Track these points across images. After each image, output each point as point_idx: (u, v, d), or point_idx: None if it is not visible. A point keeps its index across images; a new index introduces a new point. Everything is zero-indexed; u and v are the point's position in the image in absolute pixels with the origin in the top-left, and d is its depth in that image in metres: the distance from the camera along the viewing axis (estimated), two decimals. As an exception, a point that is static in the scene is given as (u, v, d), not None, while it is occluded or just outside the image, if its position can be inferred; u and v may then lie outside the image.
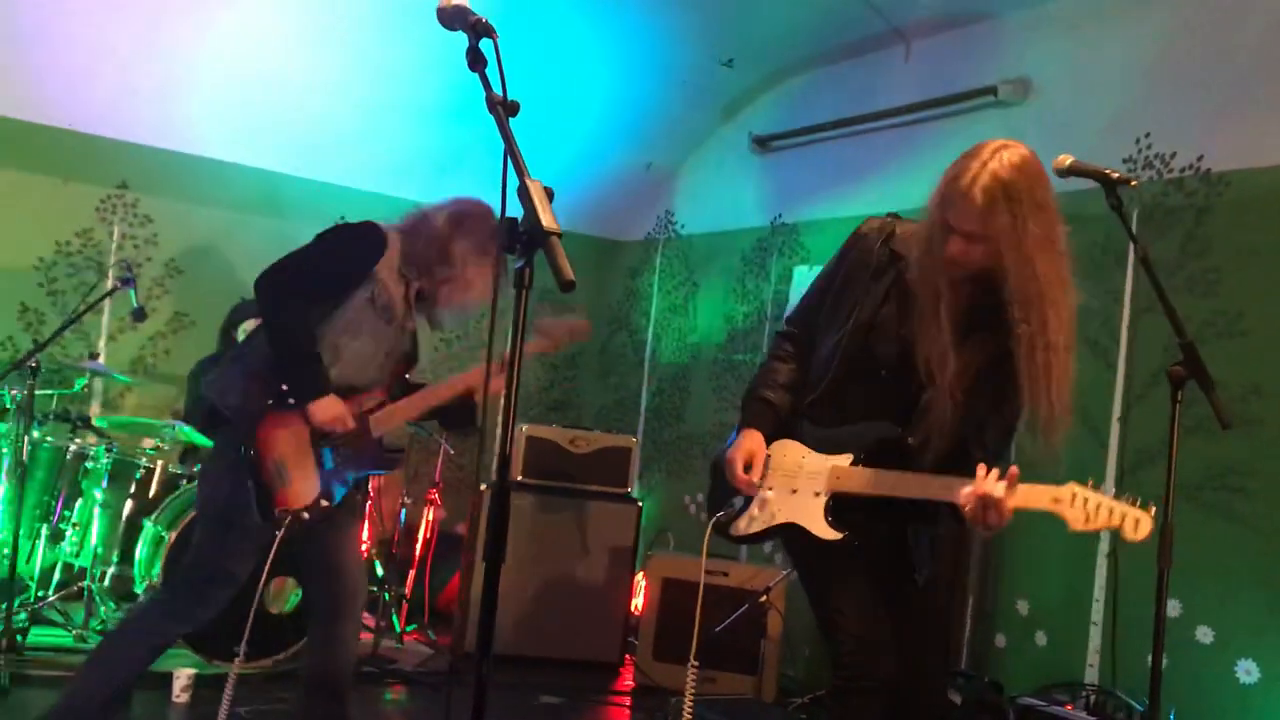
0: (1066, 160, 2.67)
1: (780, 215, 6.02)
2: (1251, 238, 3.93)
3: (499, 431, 6.47)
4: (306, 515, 3.05)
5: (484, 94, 1.61)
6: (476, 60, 1.65)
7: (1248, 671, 3.76)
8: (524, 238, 1.51)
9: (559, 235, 1.52)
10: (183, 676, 4.01)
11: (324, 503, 3.09)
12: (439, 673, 4.82)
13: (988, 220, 2.36)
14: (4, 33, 5.24)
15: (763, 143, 6.15)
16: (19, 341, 5.55)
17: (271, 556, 3.00)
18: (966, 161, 2.41)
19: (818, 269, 5.72)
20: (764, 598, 4.79)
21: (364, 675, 4.63)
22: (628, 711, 4.76)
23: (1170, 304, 2.62)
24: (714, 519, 2.80)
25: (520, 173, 1.55)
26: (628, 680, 5.11)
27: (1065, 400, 2.42)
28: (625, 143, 6.65)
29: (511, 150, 1.57)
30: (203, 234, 6.08)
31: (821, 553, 2.64)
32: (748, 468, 2.68)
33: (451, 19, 1.69)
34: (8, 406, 4.73)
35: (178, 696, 4.00)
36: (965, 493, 2.37)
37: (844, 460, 2.61)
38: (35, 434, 4.63)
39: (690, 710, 2.99)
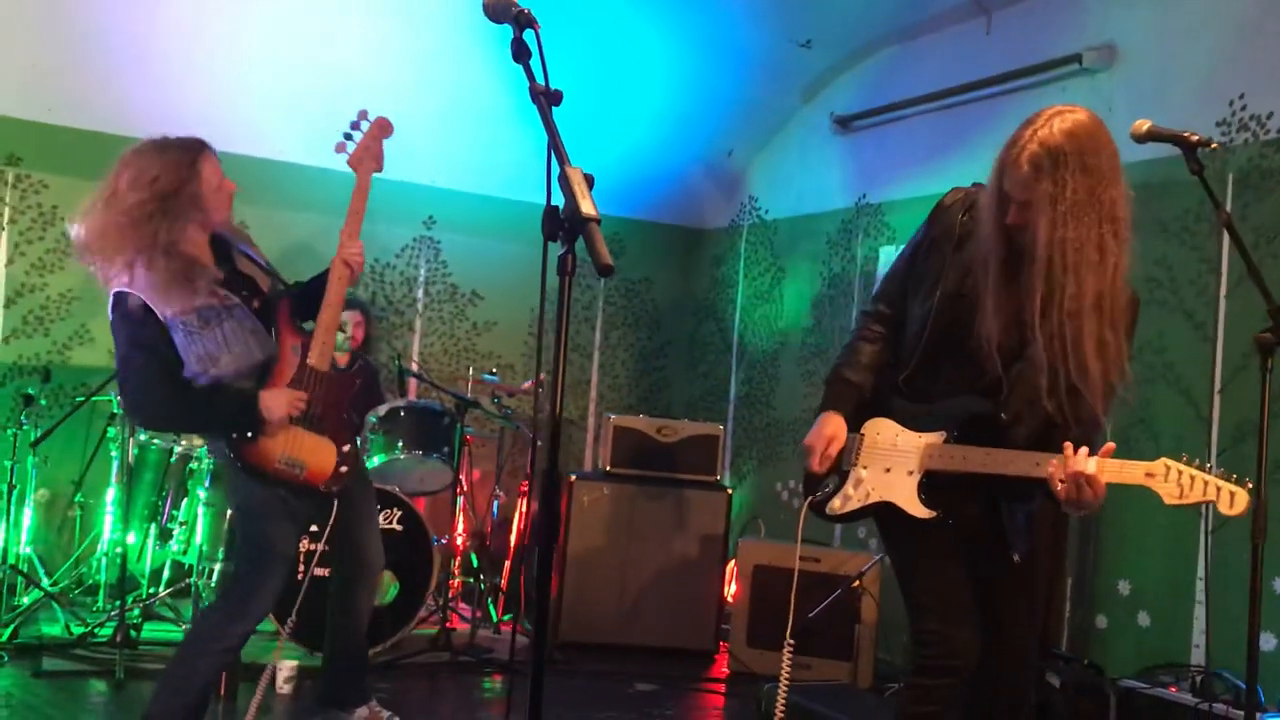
0: (1144, 126, 2.59)
1: (865, 195, 5.95)
2: (1356, 198, 3.76)
3: (590, 421, 6.47)
4: (344, 468, 3.18)
5: (528, 84, 1.63)
6: (521, 52, 1.67)
7: (1364, 650, 3.61)
8: (565, 225, 1.52)
9: (598, 221, 1.53)
10: (286, 668, 4.14)
11: (345, 448, 3.20)
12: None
13: (1033, 187, 2.35)
14: (93, 51, 5.46)
15: (844, 123, 6.07)
16: (127, 349, 5.76)
17: (330, 526, 3.23)
18: (1022, 129, 2.40)
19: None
20: (857, 582, 4.75)
21: (460, 664, 4.73)
22: (722, 698, 4.77)
23: (1257, 267, 2.53)
24: (808, 499, 2.81)
25: (561, 161, 1.56)
26: (722, 667, 5.11)
27: (1092, 367, 2.36)
28: (705, 130, 6.63)
29: (553, 139, 1.58)
30: (296, 238, 6.23)
31: (912, 532, 2.63)
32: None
33: (496, 12, 1.72)
34: (115, 412, 4.93)
35: (281, 688, 4.12)
36: (1052, 471, 2.35)
37: (937, 438, 2.59)
38: (141, 437, 4.83)
39: (785, 691, 2.98)
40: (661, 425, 5.44)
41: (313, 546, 4.47)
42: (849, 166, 6.11)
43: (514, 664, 4.80)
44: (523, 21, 1.67)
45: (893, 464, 2.65)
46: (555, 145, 1.55)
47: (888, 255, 5.68)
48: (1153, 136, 2.58)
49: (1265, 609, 3.59)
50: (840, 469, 2.75)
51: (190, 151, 3.04)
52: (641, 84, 6.18)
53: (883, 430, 2.68)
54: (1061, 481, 2.34)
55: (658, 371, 7.35)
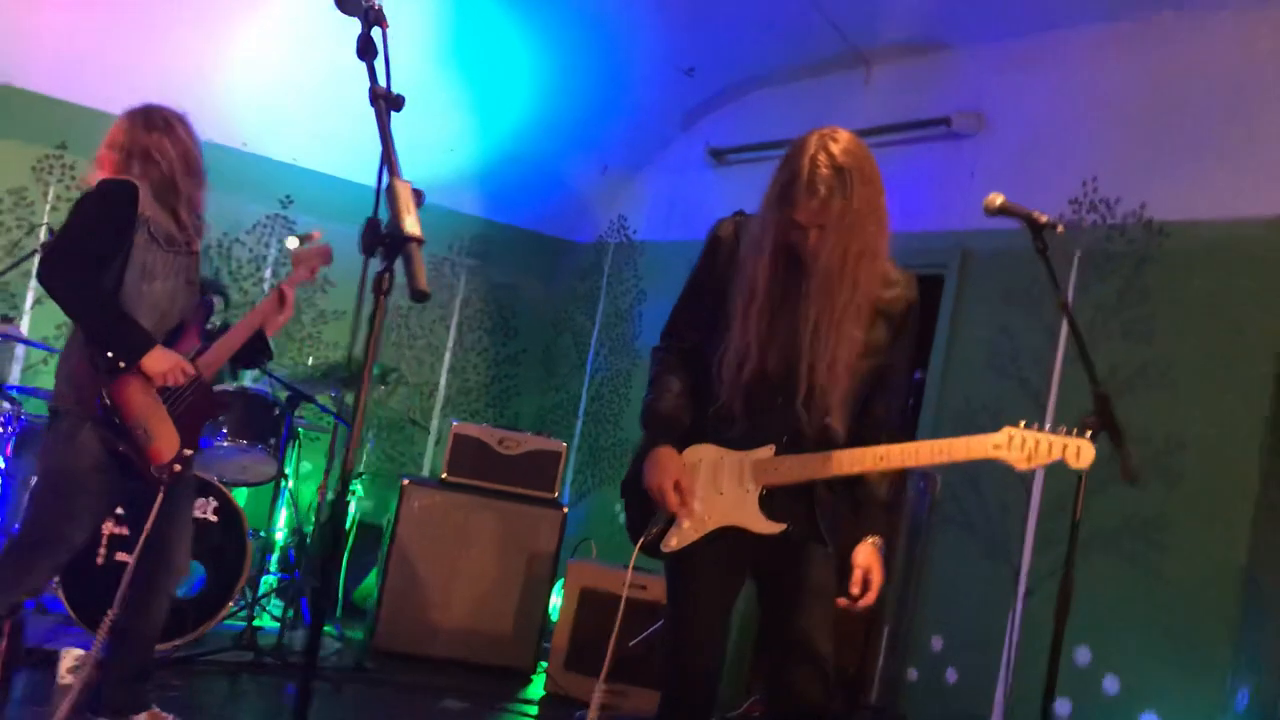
0: (997, 200, 2.63)
1: (731, 229, 5.97)
2: (1187, 290, 3.92)
3: (434, 423, 6.27)
4: (178, 466, 3.23)
5: (369, 85, 1.53)
6: (366, 49, 1.56)
7: (1151, 724, 3.74)
8: (386, 240, 1.42)
9: (420, 242, 1.43)
10: (69, 657, 3.88)
11: (187, 451, 3.26)
12: (340, 669, 4.70)
13: (829, 208, 2.43)
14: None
15: (719, 155, 6.09)
16: (-61, 297, 5.40)
17: (155, 512, 3.17)
18: (798, 159, 2.47)
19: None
20: (681, 614, 4.72)
21: (263, 666, 4.52)
22: (532, 721, 4.68)
23: (1087, 352, 2.59)
24: (640, 541, 2.72)
25: (391, 171, 1.46)
26: (538, 689, 5.02)
27: (840, 364, 2.49)
28: (583, 143, 6.57)
29: (386, 147, 1.48)
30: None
31: (684, 561, 2.63)
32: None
33: (347, 4, 1.61)
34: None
35: (63, 678, 3.86)
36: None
37: (765, 451, 2.56)
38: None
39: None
40: (504, 437, 5.34)
41: (117, 530, 4.24)
42: (719, 199, 6.12)
43: (320, 671, 4.62)
44: (371, 18, 1.57)
45: (724, 486, 2.60)
46: (387, 153, 1.45)
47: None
48: (1004, 211, 2.62)
49: (1064, 676, 3.70)
50: None
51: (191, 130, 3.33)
52: (523, 88, 6.09)
53: (705, 455, 2.64)
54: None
55: (509, 379, 7.24)
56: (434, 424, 6.94)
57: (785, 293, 2.51)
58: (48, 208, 5.73)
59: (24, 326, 5.55)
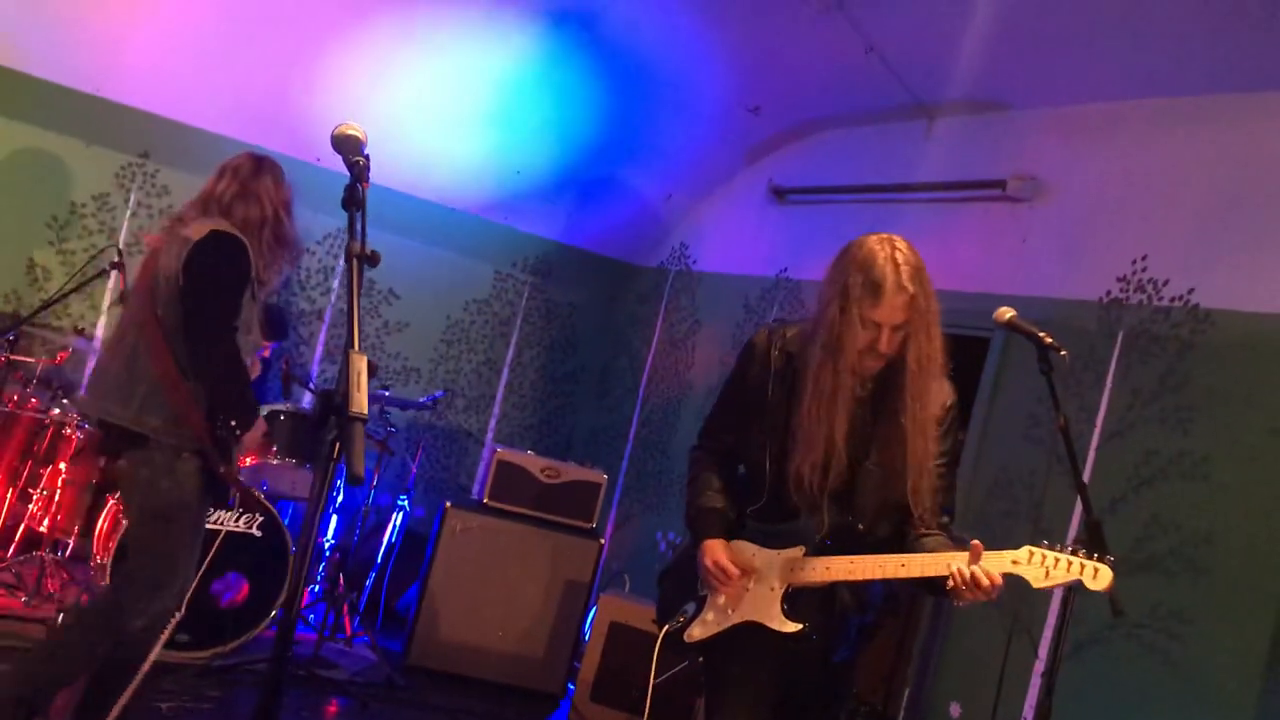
0: (1006, 314, 2.65)
1: (786, 269, 5.99)
2: (1228, 382, 3.85)
3: (489, 436, 6.37)
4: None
5: (347, 241, 1.60)
6: (351, 199, 1.63)
7: (1159, 818, 3.71)
8: (337, 414, 1.48)
9: (364, 421, 1.49)
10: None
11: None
12: (371, 685, 4.85)
13: (911, 308, 2.48)
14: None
15: (780, 193, 6.10)
16: (24, 295, 5.66)
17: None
18: (871, 259, 2.50)
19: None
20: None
21: (298, 678, 4.67)
22: (553, 751, 4.78)
23: (1082, 480, 2.59)
24: (664, 630, 2.79)
25: (350, 339, 1.53)
26: (563, 716, 5.13)
27: (929, 466, 2.55)
28: (648, 171, 6.63)
29: (352, 311, 1.54)
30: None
31: (729, 664, 2.65)
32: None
33: (343, 147, 1.68)
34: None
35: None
36: (955, 569, 2.44)
37: (796, 551, 2.61)
38: (16, 398, 4.73)
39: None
40: (546, 466, 5.44)
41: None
42: (777, 237, 6.14)
43: (349, 686, 4.77)
44: (356, 174, 1.64)
45: (751, 583, 2.65)
46: (351, 319, 1.51)
47: (799, 332, 5.72)
48: (1012, 327, 2.63)
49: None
50: (697, 594, 2.75)
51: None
52: (589, 115, 6.17)
53: (740, 552, 2.69)
54: (961, 579, 2.43)
55: (565, 396, 7.35)
56: (489, 436, 7.07)
57: (854, 396, 2.55)
58: (128, 213, 5.97)
59: (99, 328, 5.79)
